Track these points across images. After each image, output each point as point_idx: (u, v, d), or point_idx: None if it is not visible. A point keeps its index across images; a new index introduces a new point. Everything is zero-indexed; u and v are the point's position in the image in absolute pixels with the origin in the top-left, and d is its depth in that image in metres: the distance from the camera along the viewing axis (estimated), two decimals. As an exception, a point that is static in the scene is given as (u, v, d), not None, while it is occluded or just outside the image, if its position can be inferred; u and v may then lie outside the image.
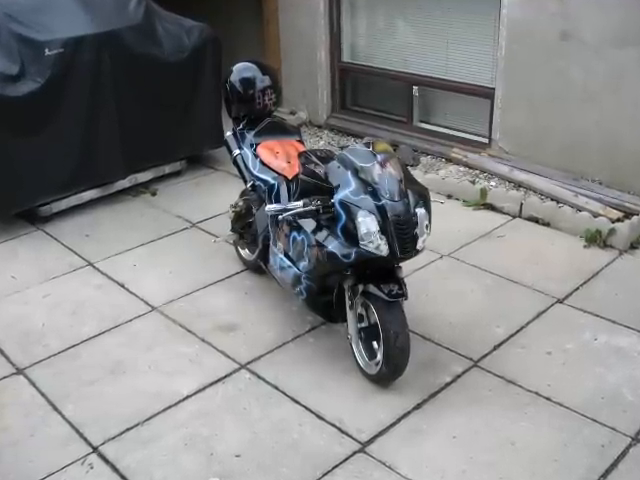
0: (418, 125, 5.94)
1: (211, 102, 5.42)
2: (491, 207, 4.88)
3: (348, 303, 3.20)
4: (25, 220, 4.87)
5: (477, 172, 5.27)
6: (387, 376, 3.15)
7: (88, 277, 4.22)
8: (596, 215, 4.46)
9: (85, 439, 2.97)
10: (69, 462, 2.85)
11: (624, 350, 3.42)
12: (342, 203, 2.93)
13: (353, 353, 3.29)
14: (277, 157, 3.73)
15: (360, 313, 3.20)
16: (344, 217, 2.93)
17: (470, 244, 4.45)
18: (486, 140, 5.44)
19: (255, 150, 3.84)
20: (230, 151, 4.00)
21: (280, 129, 3.97)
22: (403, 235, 2.91)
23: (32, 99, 4.51)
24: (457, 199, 5.01)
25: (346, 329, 3.30)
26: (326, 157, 3.19)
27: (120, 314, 3.82)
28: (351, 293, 3.14)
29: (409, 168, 3.22)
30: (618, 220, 4.41)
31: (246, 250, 4.16)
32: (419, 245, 2.98)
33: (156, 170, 5.43)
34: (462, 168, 5.36)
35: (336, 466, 2.80)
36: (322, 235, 3.03)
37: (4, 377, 3.36)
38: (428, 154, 5.69)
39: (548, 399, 3.11)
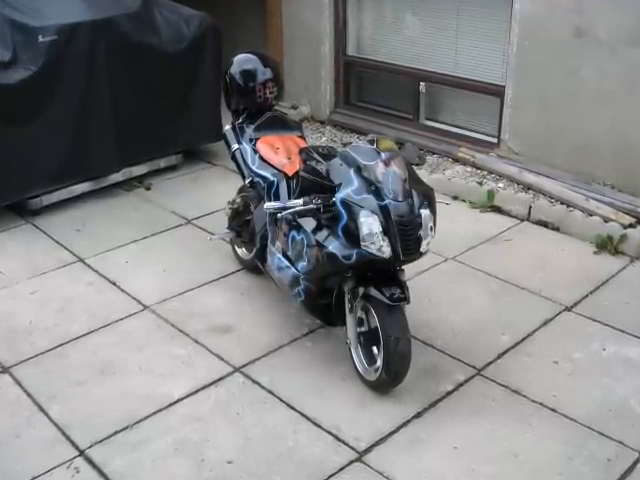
0: (424, 123, 5.94)
1: (210, 94, 5.42)
2: (498, 210, 4.88)
3: (348, 306, 3.20)
4: (14, 213, 4.87)
5: (485, 173, 5.27)
6: (387, 383, 3.14)
7: (78, 273, 4.22)
8: (607, 220, 4.46)
9: (71, 442, 2.97)
10: (54, 465, 2.85)
11: (633, 361, 3.42)
12: (344, 202, 2.93)
13: (352, 358, 3.29)
14: (277, 153, 3.73)
15: (360, 317, 3.20)
16: (345, 217, 2.93)
17: (476, 247, 4.45)
18: (495, 140, 5.44)
19: (254, 145, 3.85)
20: (229, 146, 4.00)
21: (281, 124, 3.97)
22: (406, 237, 2.91)
23: (24, 87, 4.50)
24: (463, 200, 5.01)
25: (345, 333, 3.30)
26: (328, 154, 3.19)
27: (111, 313, 3.82)
28: (351, 296, 3.14)
29: (414, 167, 3.22)
30: (630, 226, 4.41)
31: (243, 249, 4.16)
32: (423, 247, 2.98)
33: (151, 164, 5.43)
34: (469, 168, 5.37)
35: (332, 475, 2.80)
36: (322, 235, 3.03)
37: (-11, 375, 3.37)
38: (434, 153, 5.69)
39: (553, 410, 3.11)
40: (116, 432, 3.01)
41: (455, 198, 5.01)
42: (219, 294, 4.00)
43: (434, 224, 3.04)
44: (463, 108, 5.75)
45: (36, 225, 4.79)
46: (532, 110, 5.09)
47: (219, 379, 3.32)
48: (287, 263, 3.36)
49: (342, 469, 2.82)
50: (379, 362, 3.10)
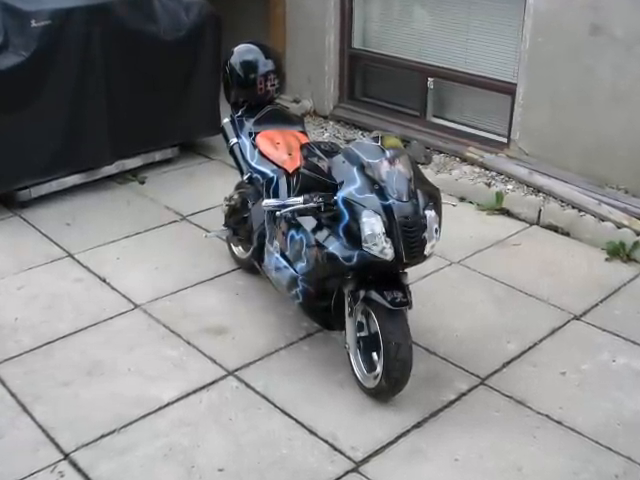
0: (432, 120, 5.95)
1: (209, 86, 5.43)
2: (507, 212, 4.88)
3: (347, 310, 3.20)
4: (1, 205, 4.87)
5: (493, 174, 5.27)
6: (386, 390, 3.14)
7: (67, 269, 4.22)
8: (620, 226, 4.46)
9: (56, 444, 2.97)
10: (38, 469, 2.84)
11: (644, 373, 3.43)
12: (345, 201, 2.93)
13: (350, 364, 3.28)
14: (277, 148, 3.74)
15: (360, 321, 3.20)
16: (347, 216, 2.93)
17: (482, 251, 4.45)
18: (505, 140, 5.45)
19: (254, 139, 3.85)
20: (227, 139, 4.00)
21: (282, 118, 3.98)
22: (410, 239, 2.90)
23: (15, 74, 4.51)
24: (470, 202, 5.01)
25: (344, 338, 3.29)
26: (330, 151, 3.19)
27: (100, 311, 3.82)
28: (351, 299, 3.14)
29: (420, 166, 3.23)
30: (644, 232, 4.42)
31: (239, 247, 4.16)
32: (427, 250, 2.98)
33: (146, 156, 5.43)
34: (477, 169, 5.37)
35: (327, 486, 2.80)
36: (322, 235, 3.03)
37: (-29, 374, 3.37)
38: (441, 152, 5.69)
39: (559, 423, 3.11)
40: (103, 435, 3.01)
41: (462, 199, 5.01)
42: (214, 294, 4.00)
43: (439, 226, 3.04)
44: (472, 106, 5.75)
45: (24, 218, 4.79)
46: (544, 109, 5.09)
47: (212, 382, 3.32)
48: (285, 263, 3.36)
49: (338, 479, 2.82)
50: (379, 369, 3.10)
